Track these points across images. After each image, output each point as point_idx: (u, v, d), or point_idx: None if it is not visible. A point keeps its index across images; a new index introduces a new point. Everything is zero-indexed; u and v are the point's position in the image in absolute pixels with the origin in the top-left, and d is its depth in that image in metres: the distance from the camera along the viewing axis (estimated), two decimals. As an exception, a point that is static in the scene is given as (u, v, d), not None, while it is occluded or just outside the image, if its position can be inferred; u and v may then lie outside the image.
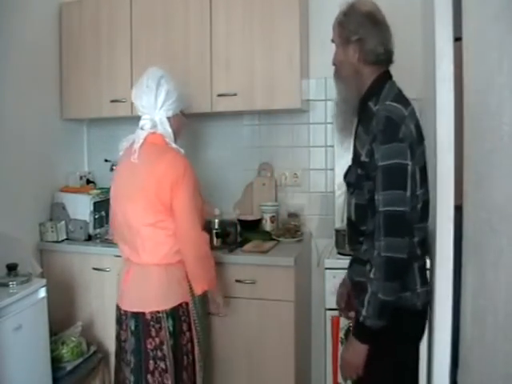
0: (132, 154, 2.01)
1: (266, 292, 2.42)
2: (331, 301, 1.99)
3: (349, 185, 1.71)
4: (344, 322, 2.27)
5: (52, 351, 2.37)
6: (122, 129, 2.70)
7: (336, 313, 2.23)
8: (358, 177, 1.62)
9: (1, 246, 2.39)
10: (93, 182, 3.17)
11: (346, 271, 1.89)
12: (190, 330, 2.08)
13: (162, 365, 1.99)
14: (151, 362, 1.99)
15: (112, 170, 2.43)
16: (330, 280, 2.30)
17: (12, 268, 2.26)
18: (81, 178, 3.11)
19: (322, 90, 2.86)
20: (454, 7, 1.90)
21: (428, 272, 2.10)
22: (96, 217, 2.85)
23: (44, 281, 2.32)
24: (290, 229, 2.81)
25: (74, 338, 2.51)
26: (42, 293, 2.29)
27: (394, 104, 1.54)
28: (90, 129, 3.34)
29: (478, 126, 1.63)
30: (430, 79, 2.11)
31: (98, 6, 2.91)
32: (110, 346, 2.33)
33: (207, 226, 2.45)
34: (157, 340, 1.99)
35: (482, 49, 1.56)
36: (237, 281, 2.45)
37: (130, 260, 2.09)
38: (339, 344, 2.30)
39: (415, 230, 1.56)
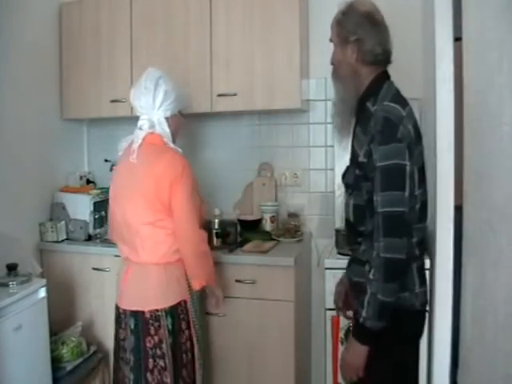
0: (131, 154, 2.02)
1: (266, 292, 2.42)
2: (331, 301, 1.99)
3: (347, 185, 1.71)
4: (344, 322, 2.26)
5: (52, 351, 2.37)
6: (121, 129, 2.70)
7: (336, 312, 2.24)
8: (356, 177, 1.62)
9: (1, 246, 2.39)
10: (93, 182, 3.17)
11: (345, 272, 1.89)
12: (188, 328, 2.09)
13: (161, 363, 2.00)
14: (150, 360, 2.00)
15: (112, 170, 2.44)
16: (329, 280, 2.30)
17: (12, 268, 2.26)
18: (81, 178, 3.11)
19: (322, 90, 2.86)
20: (454, 7, 1.91)
21: (428, 272, 2.11)
22: (96, 217, 2.85)
23: (44, 281, 2.32)
24: (290, 229, 2.81)
25: (74, 338, 2.51)
26: (42, 293, 2.29)
27: (392, 104, 1.54)
28: (90, 129, 3.33)
29: (478, 126, 1.63)
30: (430, 79, 2.12)
31: (98, 5, 2.91)
32: (110, 345, 2.33)
33: (207, 226, 2.46)
34: (156, 338, 2.00)
35: (482, 49, 1.56)
36: (237, 281, 2.45)
37: (128, 259, 2.10)
38: (339, 344, 2.30)
39: (414, 230, 1.56)
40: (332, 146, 2.85)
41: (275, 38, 2.60)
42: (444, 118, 1.97)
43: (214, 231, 2.62)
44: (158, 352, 2.00)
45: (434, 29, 1.97)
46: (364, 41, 1.59)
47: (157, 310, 2.00)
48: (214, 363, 2.52)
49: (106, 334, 2.61)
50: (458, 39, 1.89)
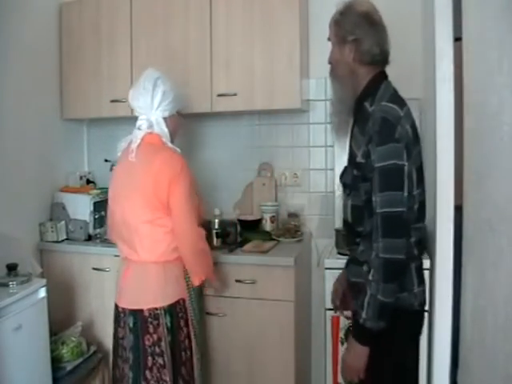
0: (129, 154, 2.04)
1: (265, 292, 2.42)
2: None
3: (345, 186, 1.71)
4: (344, 322, 2.27)
5: (52, 351, 2.37)
6: (121, 129, 2.70)
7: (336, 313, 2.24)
8: (354, 178, 1.62)
9: (1, 246, 2.39)
10: (93, 182, 3.17)
11: (342, 270, 1.89)
12: (187, 326, 2.12)
13: (160, 361, 2.02)
14: (149, 358, 2.01)
15: (112, 170, 2.44)
16: (329, 280, 2.29)
17: (12, 268, 2.26)
18: (81, 178, 3.11)
19: (321, 90, 2.86)
20: (453, 7, 1.91)
21: (428, 272, 2.11)
22: (96, 217, 2.85)
23: (44, 281, 2.32)
24: (290, 229, 2.81)
25: (74, 338, 2.51)
26: (42, 293, 2.29)
27: (390, 105, 1.54)
28: (90, 129, 3.34)
29: (478, 126, 1.63)
30: (430, 79, 2.12)
31: (98, 5, 2.91)
32: (110, 345, 2.32)
33: (207, 226, 2.46)
34: (155, 336, 2.01)
35: (482, 49, 1.56)
36: (237, 281, 2.45)
37: (128, 258, 2.11)
38: (339, 344, 2.30)
39: (412, 230, 1.56)
40: (332, 146, 2.85)
41: (275, 37, 2.60)
42: (444, 118, 1.97)
43: (214, 231, 2.62)
44: (157, 350, 2.01)
45: (433, 29, 1.97)
46: (362, 41, 1.59)
47: (156, 309, 2.02)
48: (213, 363, 2.52)
49: (106, 334, 2.61)
50: (458, 39, 1.88)
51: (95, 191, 2.94)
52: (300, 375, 2.54)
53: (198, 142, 3.08)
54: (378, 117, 1.51)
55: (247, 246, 2.60)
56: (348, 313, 1.86)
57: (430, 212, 2.18)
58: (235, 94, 2.66)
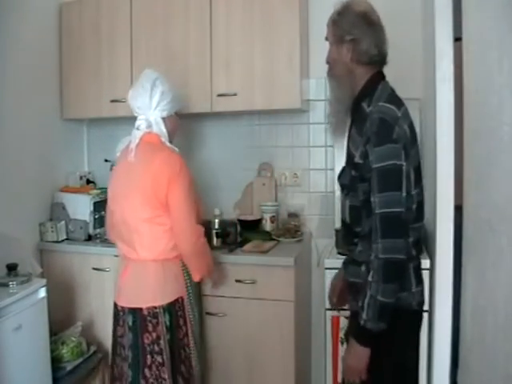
0: (129, 154, 2.06)
1: (265, 292, 2.42)
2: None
3: (343, 186, 1.70)
4: (344, 322, 2.26)
5: (52, 351, 2.37)
6: (121, 129, 2.70)
7: (336, 313, 2.24)
8: (351, 178, 1.62)
9: (1, 245, 2.39)
10: (93, 182, 3.17)
11: (340, 267, 1.89)
12: (185, 324, 2.13)
13: (159, 359, 2.03)
14: (148, 356, 2.02)
15: (112, 170, 2.45)
16: (329, 280, 2.29)
17: (12, 268, 2.26)
18: (81, 178, 3.11)
19: (321, 90, 2.86)
20: (453, 7, 1.91)
21: (428, 272, 2.11)
22: (96, 217, 2.85)
23: (44, 281, 2.32)
24: (290, 229, 2.80)
25: (74, 338, 2.51)
26: (42, 293, 2.29)
27: (387, 105, 1.53)
28: (90, 129, 3.33)
29: (478, 126, 1.63)
30: (430, 79, 2.12)
31: (98, 5, 2.91)
32: (110, 345, 2.33)
33: (207, 226, 2.46)
34: (154, 335, 2.02)
35: (482, 49, 1.57)
36: (237, 281, 2.45)
37: (127, 257, 2.13)
38: (339, 344, 2.30)
39: (410, 230, 1.56)
40: (332, 146, 2.85)
41: (275, 37, 2.60)
42: (444, 118, 1.97)
43: (214, 231, 2.62)
44: (156, 348, 2.02)
45: (434, 29, 1.97)
46: (359, 41, 1.59)
47: (155, 307, 2.03)
48: (213, 363, 2.52)
49: (106, 334, 2.60)
50: (458, 39, 1.89)
51: (95, 191, 2.94)
52: (300, 375, 2.54)
53: (198, 141, 3.08)
54: (375, 117, 1.51)
55: (247, 246, 2.60)
56: (345, 313, 1.86)
57: (429, 212, 2.18)
58: (235, 94, 2.66)
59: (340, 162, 2.51)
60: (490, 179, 1.51)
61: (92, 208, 2.84)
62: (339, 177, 1.74)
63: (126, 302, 2.08)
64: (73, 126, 3.20)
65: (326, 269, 2.35)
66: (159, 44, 2.79)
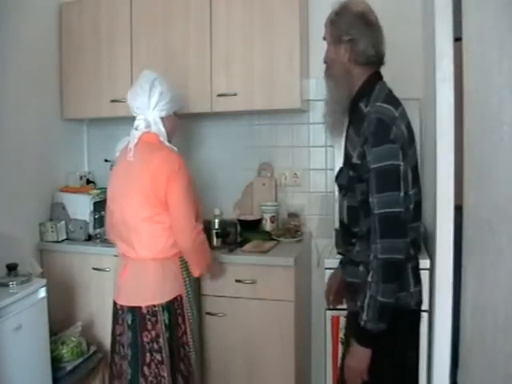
0: (128, 153, 2.08)
1: (265, 292, 2.42)
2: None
3: (340, 187, 1.71)
4: (344, 322, 2.26)
5: (52, 351, 2.37)
6: (121, 129, 2.70)
7: (336, 313, 2.24)
8: (349, 179, 1.62)
9: (1, 245, 2.39)
10: (93, 182, 3.17)
11: (337, 265, 1.89)
12: (184, 322, 2.14)
13: (158, 357, 2.04)
14: (147, 354, 2.04)
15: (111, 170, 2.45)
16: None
17: (12, 268, 2.26)
18: (81, 178, 3.11)
19: (322, 90, 2.79)
20: (453, 7, 1.91)
21: (428, 272, 2.11)
22: (96, 217, 2.85)
23: (44, 281, 2.32)
24: (290, 229, 2.80)
25: (74, 338, 2.51)
26: (42, 293, 2.29)
27: (385, 105, 1.54)
28: (90, 129, 3.33)
29: (478, 126, 1.63)
30: (430, 79, 2.12)
31: (98, 5, 2.91)
32: (109, 344, 2.33)
33: (207, 226, 2.46)
34: (153, 333, 2.04)
35: (482, 49, 1.57)
36: (237, 281, 2.45)
37: (126, 256, 2.14)
38: (339, 344, 2.30)
39: (408, 230, 1.56)
40: (332, 146, 2.85)
41: (275, 37, 2.60)
42: (444, 118, 1.97)
43: (214, 231, 2.62)
44: (155, 346, 2.04)
45: (433, 29, 1.97)
46: (357, 41, 1.59)
47: (154, 306, 2.04)
48: (213, 363, 2.52)
49: (106, 334, 2.60)
50: (458, 39, 1.89)
51: (95, 191, 2.94)
52: (300, 375, 2.54)
53: (198, 141, 3.08)
54: (373, 118, 1.51)
55: (247, 246, 2.60)
56: (346, 313, 1.86)
57: (430, 212, 2.18)
58: (235, 94, 2.66)
59: (340, 162, 2.52)
60: (489, 179, 1.51)
61: (92, 208, 2.84)
62: (337, 177, 1.74)
63: (126, 301, 2.09)
64: (73, 126, 3.20)
65: (326, 269, 2.35)
66: (159, 44, 2.79)
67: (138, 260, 2.09)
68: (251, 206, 2.98)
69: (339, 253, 2.40)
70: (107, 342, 2.58)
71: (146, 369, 2.03)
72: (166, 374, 2.04)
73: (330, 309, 2.25)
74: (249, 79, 2.65)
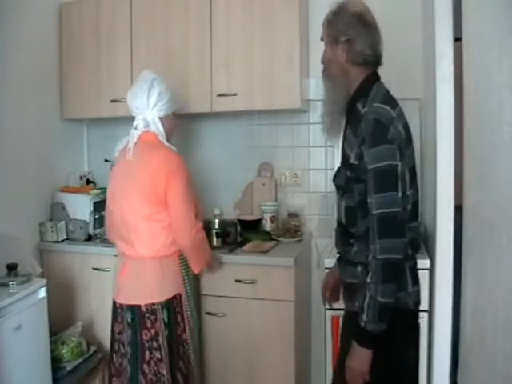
0: (127, 153, 2.09)
1: (266, 292, 2.42)
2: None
3: (338, 187, 1.71)
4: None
5: (52, 351, 2.37)
6: (121, 129, 2.69)
7: (336, 313, 2.24)
8: (347, 179, 1.62)
9: (1, 245, 2.39)
10: (93, 182, 3.17)
11: (335, 263, 1.90)
12: (183, 320, 2.16)
13: (158, 354, 2.05)
14: (147, 352, 2.05)
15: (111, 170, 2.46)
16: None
17: (12, 268, 2.26)
18: (81, 178, 3.11)
19: (322, 90, 2.84)
20: (453, 7, 1.91)
21: (427, 272, 2.11)
22: (96, 217, 2.85)
23: (44, 281, 2.32)
24: (290, 229, 2.80)
25: (74, 338, 2.51)
26: (42, 293, 2.29)
27: (382, 106, 1.54)
28: (90, 129, 3.33)
29: (478, 126, 1.63)
30: (430, 79, 2.12)
31: (98, 5, 2.91)
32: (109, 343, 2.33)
33: (207, 226, 2.46)
34: (152, 331, 2.05)
35: (482, 49, 1.57)
36: (237, 281, 2.45)
37: (125, 254, 2.15)
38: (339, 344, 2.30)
39: (406, 230, 1.56)
40: (332, 146, 2.85)
41: (275, 37, 2.60)
42: (444, 118, 1.97)
43: (214, 231, 2.62)
44: (155, 344, 2.05)
45: (434, 29, 1.97)
46: (354, 41, 1.59)
47: (153, 304, 2.06)
48: (213, 363, 2.52)
49: (106, 334, 2.60)
50: (458, 39, 1.89)
51: (95, 191, 2.94)
52: (300, 375, 2.54)
53: (198, 142, 3.07)
54: (370, 118, 1.51)
55: (247, 246, 2.60)
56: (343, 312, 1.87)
57: (430, 212, 2.18)
58: (235, 94, 2.66)
59: (339, 163, 2.52)
60: (489, 179, 1.51)
61: (92, 208, 2.84)
62: (334, 178, 1.74)
63: (125, 299, 2.11)
64: (73, 126, 3.20)
65: (326, 269, 2.34)
66: (159, 44, 2.79)
67: (138, 258, 2.10)
68: (251, 206, 2.98)
69: (339, 253, 2.40)
70: (107, 341, 2.58)
71: (145, 366, 2.05)
72: (165, 372, 2.05)
73: (330, 309, 2.25)
74: (249, 79, 2.65)
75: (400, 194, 1.49)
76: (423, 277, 2.12)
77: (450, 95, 1.94)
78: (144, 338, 2.05)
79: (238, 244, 2.65)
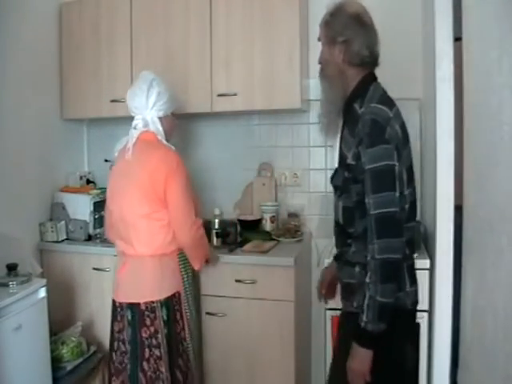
0: (126, 152, 2.10)
1: (266, 292, 2.42)
2: (331, 300, 2.00)
3: (336, 188, 1.71)
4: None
5: (52, 351, 2.37)
6: (121, 129, 2.69)
7: (336, 313, 2.23)
8: (344, 180, 1.62)
9: (1, 245, 2.39)
10: (93, 182, 3.17)
11: (331, 259, 1.90)
12: (182, 318, 2.17)
13: (157, 352, 2.06)
14: (146, 349, 2.06)
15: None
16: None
17: (12, 268, 2.26)
18: (81, 178, 3.11)
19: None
20: (454, 7, 1.91)
21: (427, 272, 2.11)
22: (96, 217, 2.85)
23: (44, 281, 2.32)
24: (290, 229, 2.80)
25: (74, 338, 2.51)
26: (42, 293, 2.29)
27: (379, 106, 1.54)
28: (90, 129, 3.33)
29: (478, 126, 1.63)
30: (430, 79, 2.12)
31: (98, 5, 2.91)
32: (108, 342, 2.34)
33: (207, 226, 2.46)
34: (151, 329, 2.06)
35: (481, 49, 1.57)
36: (237, 281, 2.45)
37: (124, 253, 2.16)
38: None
39: (404, 229, 1.56)
40: (332, 146, 2.85)
41: (275, 37, 2.60)
42: (444, 118, 1.97)
43: (214, 231, 2.62)
44: (154, 342, 2.06)
45: (434, 28, 1.97)
46: (351, 42, 1.60)
47: (152, 302, 2.07)
48: (213, 363, 2.52)
49: (106, 334, 2.60)
50: (458, 39, 1.89)
51: (95, 191, 2.94)
52: (300, 375, 2.54)
53: (198, 142, 3.07)
54: (367, 118, 1.52)
55: (247, 246, 2.60)
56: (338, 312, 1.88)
57: (430, 212, 2.18)
58: (235, 94, 2.66)
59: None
60: (490, 179, 1.51)
61: (92, 208, 2.84)
62: (332, 178, 1.74)
63: (124, 298, 2.12)
64: (73, 126, 3.20)
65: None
66: (159, 44, 2.79)
67: (137, 257, 2.11)
68: (251, 206, 2.98)
69: (337, 252, 2.40)
70: (107, 341, 2.57)
71: (145, 364, 2.06)
72: (164, 370, 2.07)
73: (330, 309, 2.25)
74: (249, 79, 2.65)
75: (397, 194, 1.49)
76: (423, 277, 2.13)
77: (450, 95, 1.94)
78: (143, 335, 2.06)
79: (238, 244, 2.65)
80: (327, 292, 1.96)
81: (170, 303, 2.11)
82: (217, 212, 2.70)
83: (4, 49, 2.58)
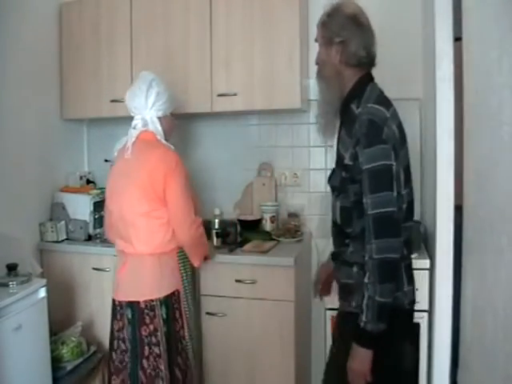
0: (125, 152, 2.11)
1: (265, 292, 2.42)
2: (331, 300, 2.00)
3: (333, 188, 1.72)
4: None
5: (52, 351, 2.37)
6: (121, 129, 2.68)
7: (336, 312, 2.23)
8: (342, 180, 1.62)
9: (1, 245, 2.39)
10: (93, 182, 3.17)
11: (329, 255, 1.90)
12: (181, 316, 2.18)
13: (157, 350, 2.08)
14: (146, 347, 2.08)
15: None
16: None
17: (12, 268, 2.26)
18: (81, 178, 3.11)
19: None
20: (453, 7, 1.91)
21: (427, 272, 2.11)
22: (96, 217, 2.85)
23: (44, 281, 2.32)
24: (290, 229, 2.80)
25: (74, 338, 2.51)
26: (42, 293, 2.29)
27: (376, 106, 1.54)
28: (90, 129, 3.33)
29: (478, 126, 1.63)
30: (430, 79, 2.12)
31: (98, 5, 2.91)
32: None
33: (207, 226, 2.46)
34: (151, 327, 2.08)
35: (482, 49, 1.57)
36: (237, 281, 2.45)
37: (124, 252, 2.17)
38: (339, 344, 2.30)
39: (401, 229, 1.56)
40: (332, 146, 2.84)
41: (275, 37, 2.60)
42: (444, 118, 1.97)
43: (214, 231, 2.62)
44: (153, 340, 2.08)
45: (434, 29, 1.97)
46: (348, 43, 1.60)
47: (152, 300, 2.08)
48: (213, 363, 2.52)
49: (106, 334, 2.59)
50: (458, 39, 1.89)
51: (95, 191, 2.94)
52: (300, 375, 2.54)
53: (198, 142, 3.07)
54: (364, 119, 1.52)
55: (247, 246, 2.60)
56: (330, 301, 1.87)
57: (430, 212, 2.18)
58: (235, 94, 2.66)
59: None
60: (490, 179, 1.51)
61: (92, 208, 2.84)
62: (329, 178, 1.75)
63: (124, 296, 2.12)
64: (73, 126, 3.20)
65: (326, 269, 2.35)
66: (159, 44, 2.79)
67: (136, 255, 2.12)
68: (251, 206, 2.98)
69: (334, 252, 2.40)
70: (107, 341, 2.58)
71: (144, 362, 2.08)
72: (163, 367, 2.08)
73: (329, 309, 2.25)
74: (249, 79, 2.65)
75: (395, 194, 1.49)
76: (423, 277, 2.13)
77: (450, 95, 1.94)
78: (143, 333, 2.07)
79: (238, 244, 2.65)
80: (322, 289, 1.97)
81: (170, 301, 2.12)
82: (217, 212, 2.70)
83: (4, 49, 2.58)
